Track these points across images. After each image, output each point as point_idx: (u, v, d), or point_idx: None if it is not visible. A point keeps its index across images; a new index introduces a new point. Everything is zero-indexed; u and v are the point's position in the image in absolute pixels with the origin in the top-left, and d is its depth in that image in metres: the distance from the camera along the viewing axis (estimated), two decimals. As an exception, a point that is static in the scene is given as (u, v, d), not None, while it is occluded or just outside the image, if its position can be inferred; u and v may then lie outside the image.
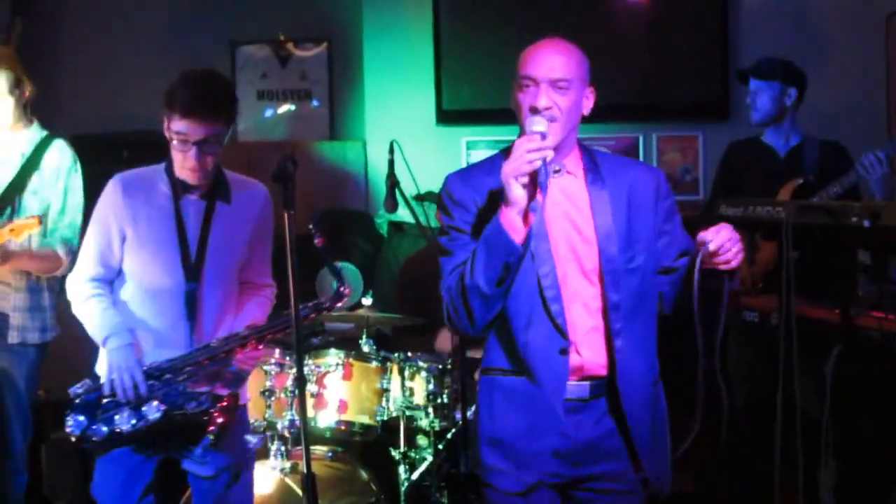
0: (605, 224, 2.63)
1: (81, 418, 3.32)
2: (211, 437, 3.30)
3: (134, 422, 3.27)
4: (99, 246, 3.35)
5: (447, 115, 6.02)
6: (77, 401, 3.33)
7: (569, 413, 2.62)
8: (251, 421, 4.04)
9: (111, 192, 3.34)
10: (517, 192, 2.42)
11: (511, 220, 2.45)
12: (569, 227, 2.64)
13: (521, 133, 2.57)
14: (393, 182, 4.23)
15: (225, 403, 3.31)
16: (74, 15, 6.64)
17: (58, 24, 6.70)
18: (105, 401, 3.31)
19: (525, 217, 2.47)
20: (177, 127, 3.16)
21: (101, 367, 3.33)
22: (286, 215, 2.75)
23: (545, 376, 2.63)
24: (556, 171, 2.61)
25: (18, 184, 4.14)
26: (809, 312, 3.71)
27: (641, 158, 5.90)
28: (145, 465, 3.43)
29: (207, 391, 3.33)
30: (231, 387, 3.41)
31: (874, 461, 4.22)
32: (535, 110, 2.51)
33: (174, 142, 3.22)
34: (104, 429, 3.29)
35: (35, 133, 4.14)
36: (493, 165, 2.64)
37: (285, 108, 6.52)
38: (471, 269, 2.55)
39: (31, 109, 4.21)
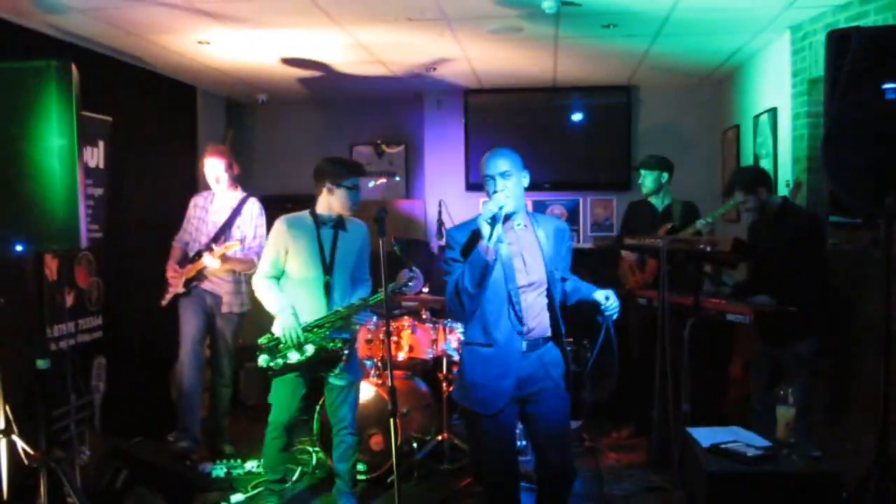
0: (546, 252, 3.46)
1: (266, 357, 4.28)
2: (343, 362, 4.32)
3: (298, 357, 4.24)
4: (272, 257, 4.39)
5: (472, 185, 7.97)
6: (264, 346, 4.30)
7: (520, 357, 3.39)
8: (363, 357, 5.18)
9: (279, 224, 4.41)
10: (484, 229, 3.20)
11: (484, 248, 3.22)
12: (525, 256, 3.42)
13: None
14: (440, 222, 5.78)
15: (349, 343, 4.33)
16: (263, 126, 8.51)
17: (253, 131, 8.47)
18: (280, 346, 4.25)
19: (489, 249, 3.22)
20: (352, 182, 4.32)
21: (276, 328, 4.31)
22: (381, 240, 3.74)
23: (508, 349, 3.38)
24: (508, 216, 3.35)
25: (229, 224, 5.38)
26: (675, 299, 4.66)
27: (581, 213, 7.55)
28: (302, 382, 4.43)
29: (338, 336, 4.29)
30: (352, 333, 4.42)
31: (712, 388, 5.30)
32: (496, 192, 3.33)
33: (347, 190, 4.28)
34: (280, 362, 4.26)
35: (239, 194, 5.46)
36: (475, 223, 3.33)
37: (381, 181, 8.15)
38: (461, 278, 3.28)
39: (237, 180, 5.49)
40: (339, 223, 4.41)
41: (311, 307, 4.32)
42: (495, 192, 3.34)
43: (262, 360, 4.27)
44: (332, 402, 4.52)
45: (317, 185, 4.44)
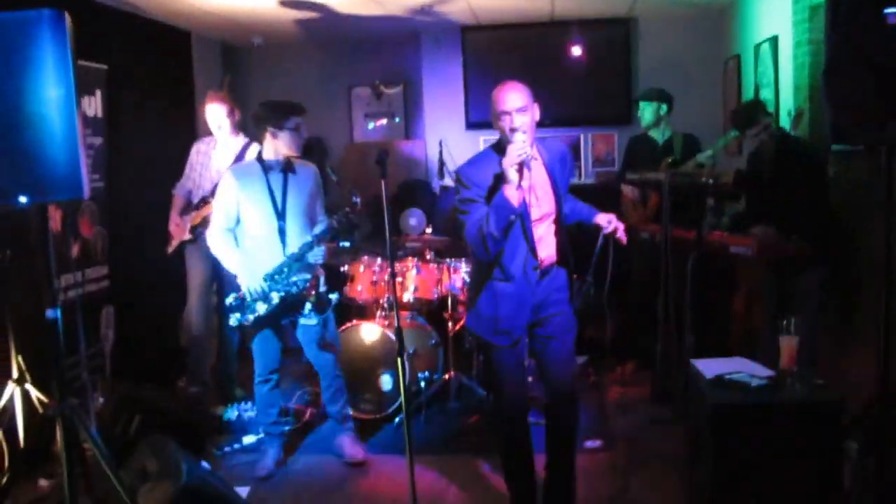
0: (555, 176, 3.49)
1: (237, 314, 4.34)
2: (310, 302, 4.33)
3: (265, 307, 4.29)
4: (224, 209, 4.34)
5: (472, 124, 8.01)
6: (232, 305, 4.36)
7: (534, 288, 3.47)
8: (368, 299, 5.32)
9: (227, 176, 4.34)
10: (513, 175, 3.17)
11: (511, 194, 3.20)
12: (537, 191, 3.43)
13: (502, 139, 3.36)
14: (441, 162, 5.74)
15: (312, 282, 4.34)
16: (259, 70, 8.46)
17: (249, 75, 8.40)
18: (246, 302, 4.31)
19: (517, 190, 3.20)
20: (294, 122, 4.28)
21: (240, 284, 4.32)
22: (382, 182, 3.54)
23: (523, 282, 3.46)
24: (533, 160, 3.34)
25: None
26: (678, 233, 4.82)
27: (581, 149, 7.59)
28: (274, 336, 4.46)
29: (300, 278, 4.32)
30: (312, 272, 4.38)
31: (716, 321, 5.37)
32: (514, 129, 3.26)
33: (290, 131, 4.26)
34: (251, 317, 4.31)
35: (242, 139, 5.39)
36: (486, 158, 3.43)
37: (380, 122, 8.13)
38: (486, 223, 3.25)
39: (239, 126, 5.44)
40: (287, 166, 4.40)
41: (269, 254, 4.36)
42: (513, 128, 3.29)
43: (233, 319, 4.34)
44: (310, 347, 4.56)
45: (258, 132, 4.43)
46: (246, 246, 4.39)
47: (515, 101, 3.32)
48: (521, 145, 3.20)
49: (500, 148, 3.40)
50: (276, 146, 4.37)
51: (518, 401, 3.63)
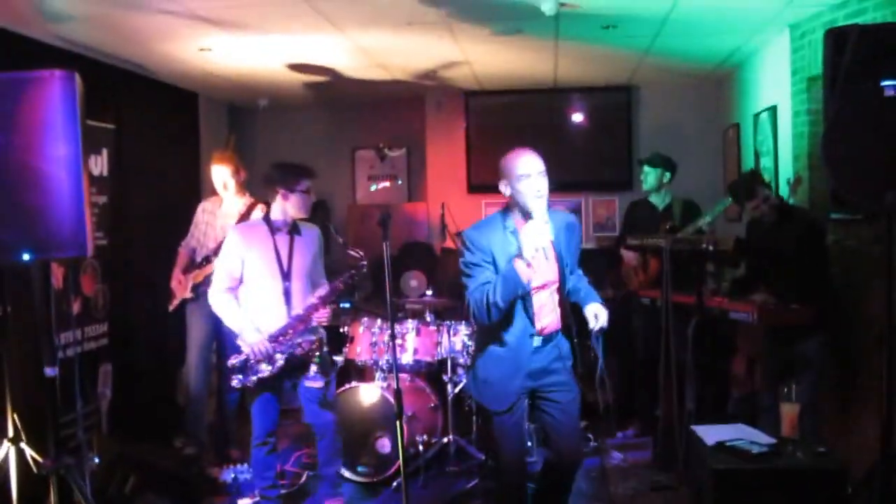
0: (560, 245, 3.48)
1: (240, 376, 4.28)
2: (315, 364, 4.30)
3: (270, 369, 4.24)
4: (228, 268, 4.32)
5: (474, 188, 8.06)
6: (234, 366, 4.28)
7: (531, 355, 3.49)
8: (367, 360, 5.23)
9: (233, 234, 4.35)
10: (530, 255, 3.23)
11: (523, 269, 3.26)
12: (541, 259, 3.39)
13: (512, 204, 3.41)
14: (442, 225, 5.72)
15: (315, 345, 4.31)
16: (265, 130, 8.52)
17: (255, 136, 8.49)
18: (250, 363, 4.25)
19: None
20: (305, 185, 4.29)
21: (242, 345, 4.26)
22: (384, 244, 3.71)
23: (519, 349, 3.47)
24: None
25: None
26: (678, 298, 4.76)
27: (583, 214, 7.59)
28: (274, 399, 4.43)
29: (304, 339, 4.28)
30: (316, 335, 4.35)
31: (716, 386, 5.31)
32: (539, 191, 3.29)
33: (301, 194, 4.25)
34: (253, 378, 4.26)
35: (247, 199, 5.39)
36: (492, 224, 3.46)
37: (382, 185, 8.21)
38: (493, 292, 3.27)
39: (244, 186, 5.44)
40: (293, 228, 4.42)
41: (272, 315, 4.33)
42: (539, 189, 3.33)
43: (236, 381, 4.30)
44: (311, 407, 4.51)
45: (268, 192, 4.42)
46: (250, 306, 4.35)
47: (538, 165, 3.36)
48: (545, 228, 3.25)
49: (507, 213, 3.44)
50: (285, 207, 4.37)
51: (517, 466, 3.60)
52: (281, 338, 4.28)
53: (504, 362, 3.47)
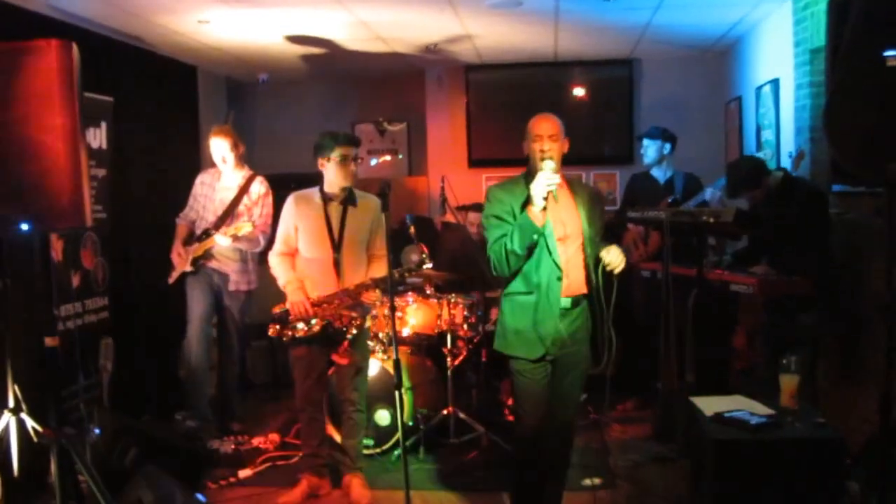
0: (583, 211, 3.60)
1: (277, 326, 4.38)
2: (348, 340, 4.35)
3: (305, 328, 4.31)
4: (283, 234, 4.44)
5: (474, 162, 8.09)
6: (276, 315, 4.41)
7: (560, 317, 3.52)
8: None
9: (289, 202, 4.43)
10: (540, 202, 3.34)
11: (536, 215, 3.37)
12: (561, 213, 3.54)
13: (530, 163, 3.53)
14: (443, 199, 5.84)
15: (357, 323, 4.37)
16: (264, 105, 8.50)
17: (254, 110, 8.50)
18: (289, 317, 4.35)
19: (542, 213, 3.38)
20: (343, 151, 4.28)
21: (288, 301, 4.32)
22: (383, 215, 3.73)
23: (549, 295, 3.50)
24: (560, 187, 3.45)
25: (236, 202, 5.37)
26: (679, 271, 4.78)
27: None
28: (314, 361, 4.45)
29: (346, 314, 4.33)
30: (361, 313, 4.43)
31: (716, 358, 5.22)
32: (543, 152, 3.46)
33: (336, 163, 4.23)
34: (289, 332, 4.33)
35: (245, 172, 5.44)
36: (514, 182, 3.60)
37: (383, 158, 8.26)
38: (510, 241, 3.40)
39: (243, 159, 5.47)
40: (348, 199, 4.40)
41: (323, 285, 4.34)
42: (542, 151, 3.48)
43: (272, 329, 4.36)
44: (340, 380, 4.58)
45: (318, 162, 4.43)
46: (301, 269, 4.41)
47: (548, 128, 3.55)
48: (550, 174, 3.37)
49: (528, 174, 3.54)
50: (329, 177, 4.37)
51: (534, 424, 3.61)
52: (325, 304, 4.30)
53: (534, 308, 3.51)
